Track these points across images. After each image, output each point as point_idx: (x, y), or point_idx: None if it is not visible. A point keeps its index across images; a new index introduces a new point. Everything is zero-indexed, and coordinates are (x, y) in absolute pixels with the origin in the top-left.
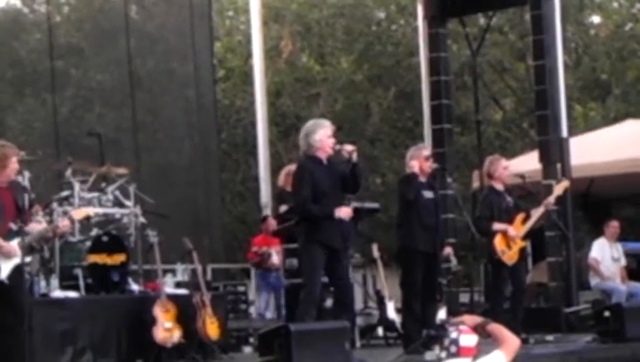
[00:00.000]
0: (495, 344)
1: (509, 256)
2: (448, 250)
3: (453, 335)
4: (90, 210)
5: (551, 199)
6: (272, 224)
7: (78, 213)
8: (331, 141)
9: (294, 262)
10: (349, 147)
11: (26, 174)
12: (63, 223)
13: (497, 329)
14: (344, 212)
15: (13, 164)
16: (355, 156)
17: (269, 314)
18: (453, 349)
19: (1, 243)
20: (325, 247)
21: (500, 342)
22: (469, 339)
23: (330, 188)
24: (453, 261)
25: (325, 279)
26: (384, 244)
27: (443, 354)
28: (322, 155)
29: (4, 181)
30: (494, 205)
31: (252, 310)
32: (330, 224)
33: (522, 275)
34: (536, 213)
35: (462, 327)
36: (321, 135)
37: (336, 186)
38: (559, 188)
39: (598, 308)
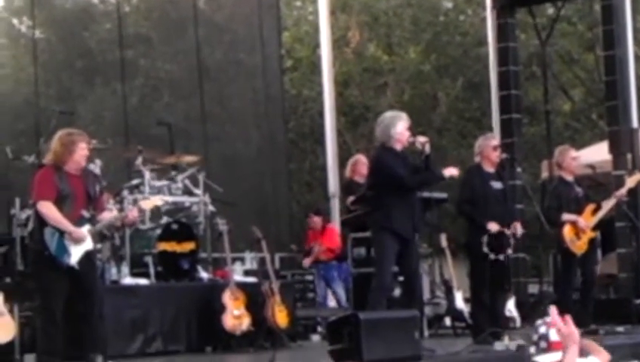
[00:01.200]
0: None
1: (579, 246)
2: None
3: (542, 330)
4: (159, 201)
5: (623, 191)
6: (316, 221)
7: (147, 203)
8: (408, 133)
9: (362, 251)
10: (422, 138)
11: (98, 162)
12: (132, 213)
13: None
14: (450, 171)
15: (82, 151)
16: (427, 147)
17: (333, 303)
18: (543, 344)
19: (72, 228)
20: (397, 236)
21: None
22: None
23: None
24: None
25: (395, 268)
26: (452, 234)
27: (532, 350)
28: (398, 147)
29: (74, 168)
30: (563, 195)
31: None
32: (402, 213)
33: (592, 266)
34: (607, 205)
35: (549, 320)
36: (401, 128)
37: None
38: (632, 181)
39: None
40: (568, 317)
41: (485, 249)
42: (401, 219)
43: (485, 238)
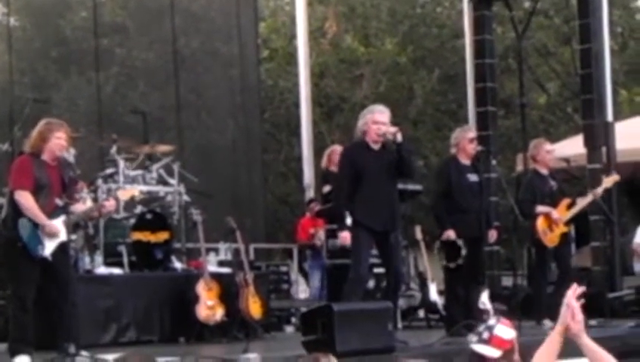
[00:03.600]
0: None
1: (550, 238)
2: (493, 234)
3: (491, 322)
4: (136, 191)
5: (599, 190)
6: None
7: (124, 193)
8: (377, 126)
9: (337, 242)
10: (391, 129)
11: (72, 151)
12: (109, 203)
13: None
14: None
15: (57, 140)
16: (399, 137)
17: (304, 294)
18: (485, 335)
19: (46, 221)
20: (368, 229)
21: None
22: (504, 331)
23: (377, 173)
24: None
25: (371, 260)
26: (427, 226)
27: (474, 338)
28: (370, 140)
29: (50, 157)
30: (537, 188)
31: (294, 289)
32: (369, 206)
33: (567, 259)
34: (583, 202)
35: (503, 319)
36: (367, 119)
37: (384, 171)
38: (608, 181)
39: None
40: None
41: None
42: (369, 213)
43: (437, 244)
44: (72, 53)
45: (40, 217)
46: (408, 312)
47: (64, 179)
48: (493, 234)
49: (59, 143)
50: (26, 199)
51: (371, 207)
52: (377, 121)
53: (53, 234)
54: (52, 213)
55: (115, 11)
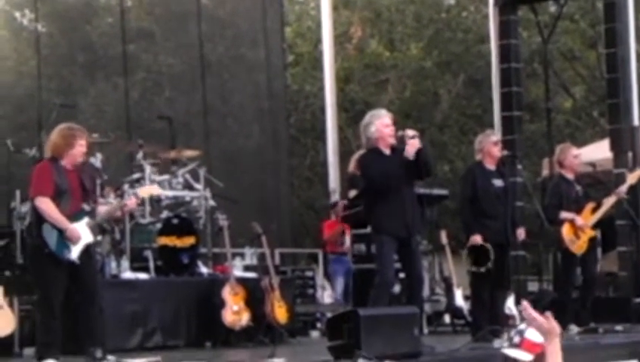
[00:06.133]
0: None
1: (578, 246)
2: (521, 232)
3: (522, 326)
4: (156, 189)
5: (623, 188)
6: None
7: (144, 191)
8: (389, 129)
9: (362, 247)
10: (410, 132)
11: (99, 156)
12: (130, 201)
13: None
14: (411, 145)
15: (80, 147)
16: (418, 141)
17: (330, 299)
18: (516, 339)
19: (68, 225)
20: (391, 235)
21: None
22: (536, 335)
23: (395, 178)
24: (522, 236)
25: (397, 265)
26: (452, 231)
27: (505, 343)
28: (383, 146)
29: (70, 163)
30: (563, 194)
31: (319, 294)
32: (391, 214)
33: (592, 265)
34: (608, 202)
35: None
36: (378, 125)
37: (401, 175)
38: (633, 178)
39: None
40: (548, 314)
41: (466, 260)
42: (391, 221)
43: (466, 251)
44: (98, 59)
45: (61, 221)
46: (434, 317)
47: (84, 184)
48: (521, 233)
49: (82, 151)
50: (46, 205)
51: (394, 213)
52: (388, 125)
53: (75, 239)
54: (74, 216)
55: (141, 17)
